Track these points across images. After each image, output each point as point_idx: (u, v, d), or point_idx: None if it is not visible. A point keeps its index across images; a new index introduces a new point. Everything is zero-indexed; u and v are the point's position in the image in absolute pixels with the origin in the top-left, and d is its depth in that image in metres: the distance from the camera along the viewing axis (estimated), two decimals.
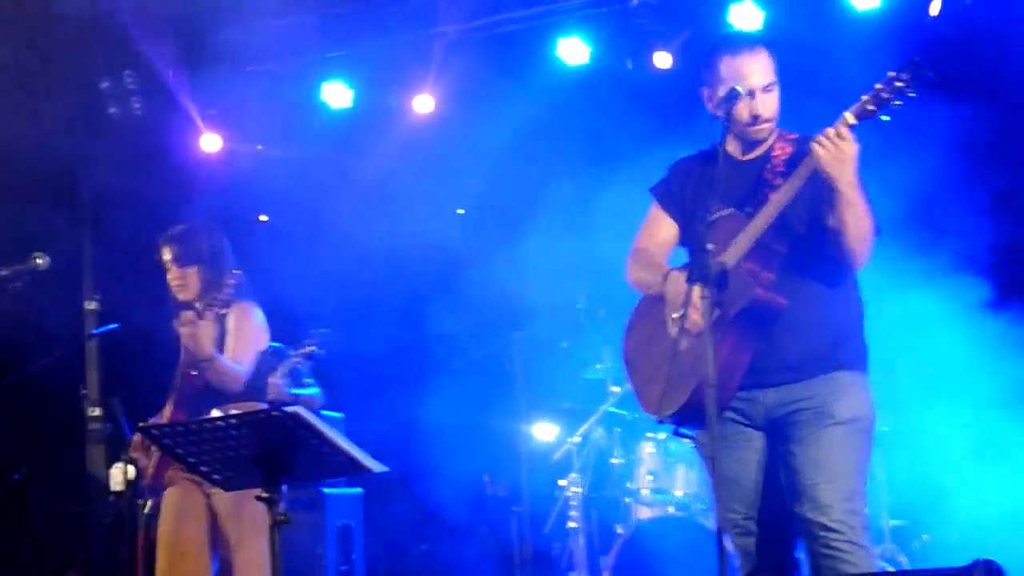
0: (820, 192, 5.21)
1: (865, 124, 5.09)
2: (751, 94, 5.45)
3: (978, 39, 9.35)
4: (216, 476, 5.31)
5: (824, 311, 5.39)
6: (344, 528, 9.85)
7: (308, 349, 8.75)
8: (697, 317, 5.13)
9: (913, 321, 8.58)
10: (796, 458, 5.33)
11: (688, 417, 5.27)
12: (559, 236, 10.40)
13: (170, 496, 7.27)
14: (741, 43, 5.63)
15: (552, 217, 10.56)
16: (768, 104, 5.49)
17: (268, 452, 5.05)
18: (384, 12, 10.50)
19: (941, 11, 9.14)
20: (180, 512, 7.21)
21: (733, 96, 5.39)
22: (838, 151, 5.04)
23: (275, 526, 5.04)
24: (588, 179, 10.30)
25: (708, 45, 5.72)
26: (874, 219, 5.29)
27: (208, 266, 7.45)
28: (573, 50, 10.26)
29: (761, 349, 5.31)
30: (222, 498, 7.04)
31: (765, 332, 5.30)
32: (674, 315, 5.33)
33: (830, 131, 5.07)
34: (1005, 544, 8.58)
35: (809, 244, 5.35)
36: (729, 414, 5.42)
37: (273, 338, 7.66)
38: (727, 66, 5.51)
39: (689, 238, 5.53)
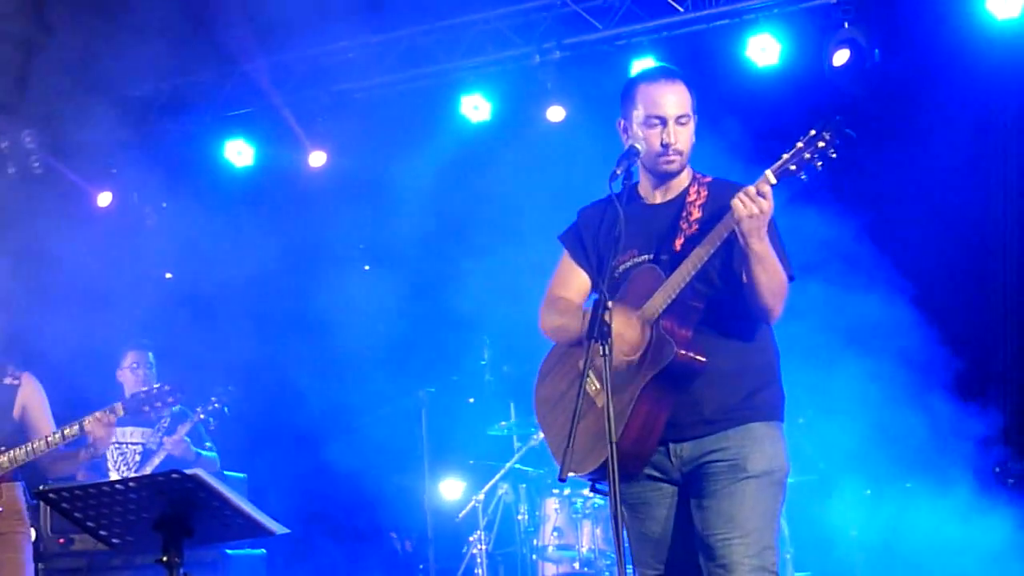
0: (735, 249, 5.15)
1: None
2: (663, 122, 5.37)
3: (886, 94, 9.50)
4: (115, 540, 5.24)
5: (740, 363, 5.32)
6: None
7: (212, 407, 8.65)
8: (601, 382, 5.12)
9: (815, 373, 8.63)
10: (708, 512, 5.25)
11: (606, 474, 5.22)
12: (462, 291, 10.41)
13: None
14: (659, 73, 5.54)
15: (457, 270, 10.57)
16: (680, 136, 5.38)
17: (169, 515, 4.99)
18: (286, 70, 10.52)
19: (847, 65, 9.24)
20: None
21: (632, 153, 5.37)
22: (758, 209, 4.99)
23: None
24: (491, 235, 10.32)
25: (626, 81, 5.61)
26: (788, 269, 5.27)
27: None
28: (473, 107, 10.33)
29: (678, 404, 5.25)
30: None
31: (683, 389, 5.24)
32: (590, 377, 5.28)
33: (751, 190, 5.01)
34: None
35: (725, 299, 5.28)
36: (645, 469, 5.36)
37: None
38: (643, 93, 5.43)
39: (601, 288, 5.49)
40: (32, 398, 7.24)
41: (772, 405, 5.39)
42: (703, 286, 5.23)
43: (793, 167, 5.01)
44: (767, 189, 5.01)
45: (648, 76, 5.53)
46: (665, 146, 5.37)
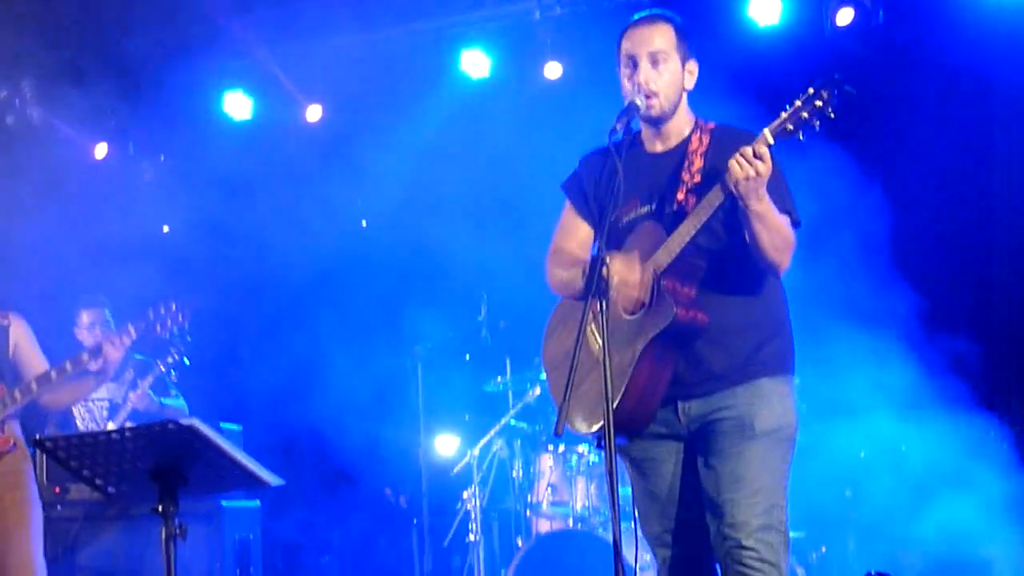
0: (737, 205, 5.08)
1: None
2: (634, 63, 5.33)
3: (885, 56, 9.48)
4: (111, 489, 5.24)
5: (747, 318, 5.29)
6: (242, 541, 9.76)
7: (173, 358, 8.64)
8: (601, 337, 5.13)
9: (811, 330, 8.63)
10: (715, 471, 5.23)
11: (620, 438, 5.20)
12: (461, 247, 10.41)
13: None
14: (642, 18, 5.45)
15: (455, 228, 10.57)
16: (652, 75, 5.31)
17: (164, 465, 4.99)
18: (283, 22, 10.48)
19: (850, 26, 9.21)
20: None
21: (631, 109, 5.33)
22: (755, 171, 4.94)
23: (170, 540, 4.99)
24: (489, 188, 10.32)
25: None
26: (794, 213, 5.23)
27: None
28: (473, 63, 10.30)
29: (683, 362, 5.23)
30: None
31: (686, 347, 5.22)
32: (592, 332, 5.26)
33: (748, 151, 4.94)
34: (900, 557, 8.70)
35: (729, 255, 5.23)
36: (650, 426, 5.33)
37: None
38: (623, 39, 5.39)
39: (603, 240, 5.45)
40: (23, 337, 7.27)
41: (780, 358, 5.36)
42: (706, 241, 5.18)
43: (791, 127, 4.97)
44: (764, 150, 4.96)
45: (629, 22, 5.47)
46: (635, 86, 5.32)
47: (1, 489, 6.96)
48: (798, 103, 4.97)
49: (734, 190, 4.99)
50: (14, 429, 7.12)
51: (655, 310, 5.15)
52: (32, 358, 7.24)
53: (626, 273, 5.22)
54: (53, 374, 7.05)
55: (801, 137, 4.99)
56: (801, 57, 9.47)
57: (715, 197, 5.08)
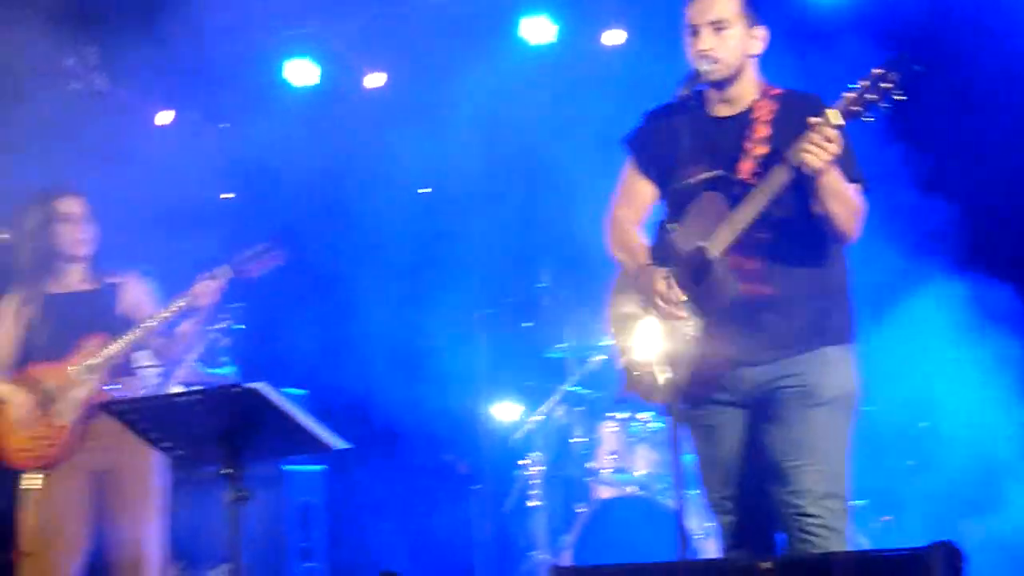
0: (804, 180, 5.07)
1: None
2: (695, 31, 5.33)
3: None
4: (178, 452, 5.31)
5: (811, 287, 5.28)
6: (305, 505, 9.84)
7: (224, 324, 8.62)
8: (669, 307, 5.14)
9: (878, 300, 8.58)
10: (778, 438, 5.25)
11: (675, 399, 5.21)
12: (523, 214, 10.41)
13: (56, 476, 7.07)
14: None
15: (515, 195, 10.57)
16: (713, 43, 5.29)
17: (230, 429, 5.04)
18: None
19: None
20: (64, 493, 7.06)
21: (693, 75, 5.31)
22: (827, 155, 4.93)
23: (236, 503, 5.04)
24: (551, 157, 10.29)
25: None
26: (860, 175, 5.21)
27: (95, 228, 7.36)
28: (535, 28, 10.28)
29: (747, 329, 5.24)
30: (115, 477, 7.00)
31: (750, 319, 5.23)
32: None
33: (816, 137, 4.92)
34: (965, 526, 8.66)
35: (794, 227, 5.23)
36: (713, 392, 5.36)
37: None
38: (688, 7, 5.38)
39: (664, 201, 5.44)
40: (140, 294, 7.30)
41: (843, 326, 5.36)
42: (772, 212, 5.15)
43: (858, 107, 4.92)
44: (834, 133, 4.94)
45: None
46: (697, 53, 5.30)
47: (119, 447, 6.83)
48: (865, 83, 4.93)
49: (807, 172, 4.98)
50: (136, 386, 7.15)
51: (719, 286, 5.14)
52: (145, 313, 7.22)
53: (661, 291, 5.23)
54: (150, 322, 7.01)
55: (869, 118, 4.95)
56: (862, 21, 9.39)
57: (781, 175, 5.07)
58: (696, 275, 5.21)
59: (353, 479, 11.42)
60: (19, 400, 7.05)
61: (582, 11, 10.26)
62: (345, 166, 11.38)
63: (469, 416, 10.58)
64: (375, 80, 10.95)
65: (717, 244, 5.17)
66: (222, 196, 12.36)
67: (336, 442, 5.17)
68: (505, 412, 10.64)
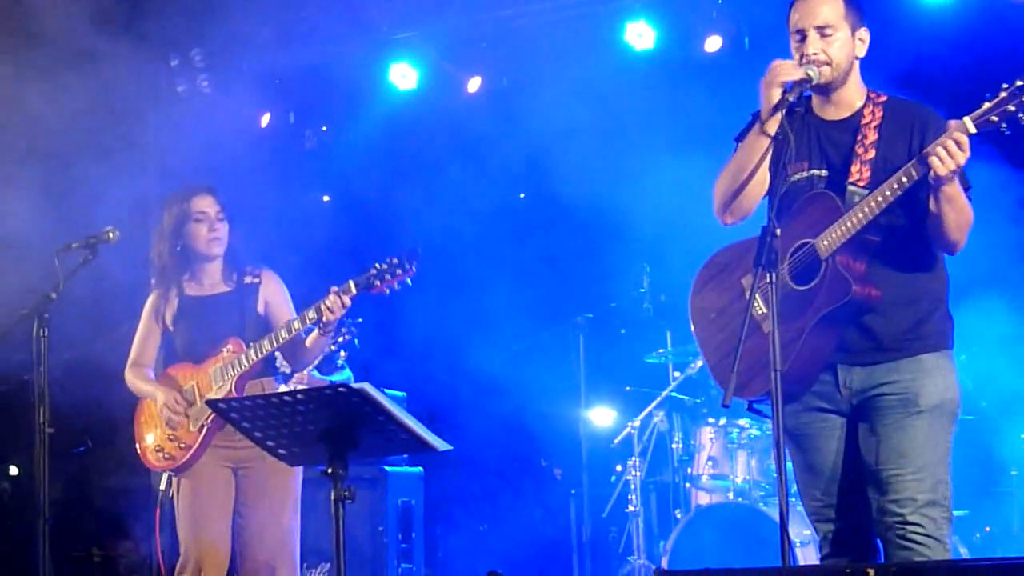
0: (918, 183, 5.04)
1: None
2: (802, 35, 5.30)
3: None
4: (282, 451, 5.34)
5: (913, 292, 5.26)
6: (405, 506, 9.88)
7: (344, 338, 8.61)
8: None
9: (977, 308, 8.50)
10: (879, 446, 5.21)
11: (769, 398, 5.19)
12: (620, 222, 10.40)
13: (197, 474, 7.09)
14: None
15: (614, 200, 10.56)
16: (822, 47, 5.26)
17: (334, 428, 5.06)
18: None
19: None
20: (207, 490, 7.09)
21: (805, 81, 5.28)
22: (955, 164, 4.89)
23: (339, 502, 5.06)
24: (651, 161, 10.29)
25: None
26: (965, 181, 5.14)
27: (235, 225, 7.35)
28: (638, 34, 10.26)
29: (848, 331, 5.21)
30: (252, 473, 7.05)
31: (855, 321, 5.21)
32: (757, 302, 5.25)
33: (950, 144, 4.88)
34: None
35: (902, 232, 5.21)
36: (810, 399, 5.34)
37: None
38: (793, 12, 5.36)
39: (767, 198, 5.41)
40: (274, 294, 7.30)
41: (942, 332, 5.33)
42: (883, 218, 5.13)
43: (995, 118, 4.88)
44: (965, 140, 4.90)
45: None
46: (803, 57, 5.28)
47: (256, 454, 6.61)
48: (1003, 94, 4.89)
49: (931, 178, 4.94)
50: (274, 386, 7.20)
51: (829, 286, 5.12)
52: (282, 315, 7.23)
53: None
54: (283, 332, 7.00)
55: (1005, 130, 4.90)
56: (976, 36, 9.31)
57: (902, 180, 5.05)
58: (806, 272, 5.19)
59: (451, 482, 11.48)
60: (160, 401, 7.13)
61: (683, 17, 10.22)
62: (444, 169, 11.43)
63: (568, 421, 10.58)
64: (476, 84, 10.96)
65: (828, 243, 5.17)
66: (324, 199, 12.46)
67: (439, 444, 5.18)
68: (603, 417, 10.65)
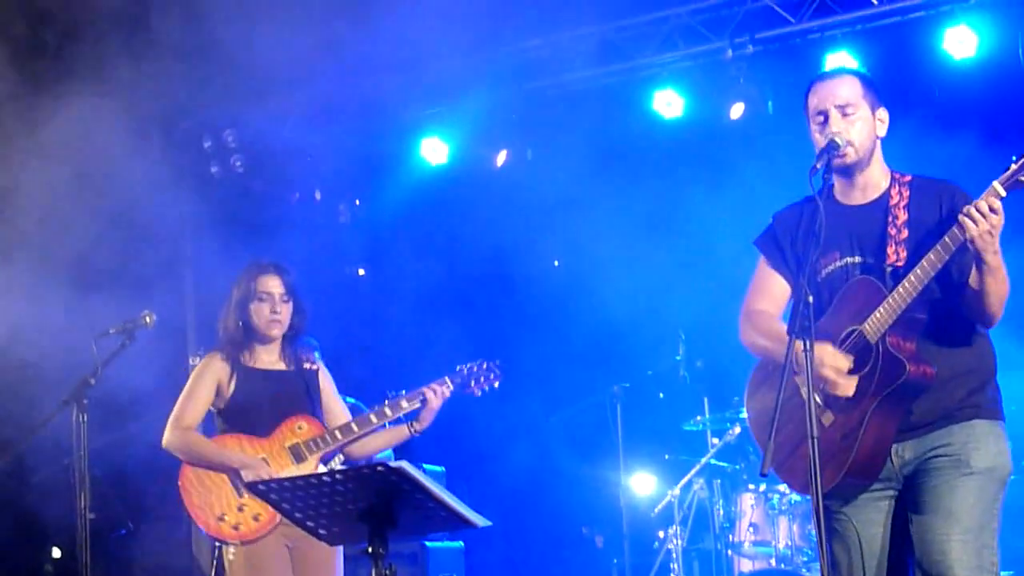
0: (956, 257, 5.05)
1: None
2: (825, 116, 5.32)
3: None
4: (322, 531, 5.33)
5: (961, 367, 5.24)
6: None
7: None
8: (839, 379, 5.12)
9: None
10: (928, 508, 5.18)
11: (834, 490, 5.17)
12: (659, 286, 10.42)
13: (260, 548, 6.94)
14: (825, 73, 5.53)
15: (650, 269, 10.58)
16: (844, 126, 5.29)
17: (373, 507, 5.06)
18: (479, 68, 10.60)
19: None
20: (267, 565, 6.95)
21: (831, 147, 5.30)
22: (989, 226, 4.89)
23: None
24: (684, 232, 10.32)
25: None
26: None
27: (300, 306, 7.28)
28: (666, 103, 10.31)
29: (902, 411, 5.19)
30: (302, 550, 6.98)
31: (912, 401, 5.19)
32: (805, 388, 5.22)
33: (982, 206, 4.88)
34: None
35: (944, 307, 5.20)
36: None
37: (358, 393, 7.54)
38: (810, 94, 5.41)
39: (804, 263, 5.40)
40: (328, 384, 7.29)
41: (992, 403, 5.31)
42: (926, 295, 5.13)
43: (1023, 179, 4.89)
44: (998, 204, 4.91)
45: (816, 76, 5.50)
46: (828, 137, 5.28)
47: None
48: None
49: (971, 246, 4.94)
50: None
51: (883, 368, 5.11)
52: (335, 404, 7.25)
53: (821, 360, 5.17)
54: (373, 416, 7.01)
55: None
56: (1000, 91, 9.34)
57: (940, 253, 5.04)
58: (858, 360, 5.20)
59: (492, 554, 11.45)
60: (247, 467, 6.94)
61: (710, 85, 10.25)
62: (478, 240, 11.47)
63: (605, 488, 10.56)
64: (503, 157, 10.99)
65: (876, 326, 5.15)
66: (359, 272, 12.52)
67: (478, 520, 5.17)
68: (644, 484, 10.63)
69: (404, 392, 7.12)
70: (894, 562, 5.32)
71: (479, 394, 7.28)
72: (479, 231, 11.45)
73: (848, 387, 5.17)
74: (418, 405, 7.10)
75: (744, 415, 5.70)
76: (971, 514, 5.14)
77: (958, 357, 5.25)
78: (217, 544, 7.14)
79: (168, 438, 7.06)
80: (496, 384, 7.30)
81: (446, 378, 7.09)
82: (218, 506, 6.94)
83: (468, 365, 7.24)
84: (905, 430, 5.21)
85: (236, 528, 6.91)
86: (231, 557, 6.95)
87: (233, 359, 7.14)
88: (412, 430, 7.17)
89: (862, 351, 5.18)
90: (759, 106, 10.03)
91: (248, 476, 6.87)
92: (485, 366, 7.23)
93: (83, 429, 7.01)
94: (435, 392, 7.07)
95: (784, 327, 5.33)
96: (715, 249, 9.37)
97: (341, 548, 7.10)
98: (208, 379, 7.14)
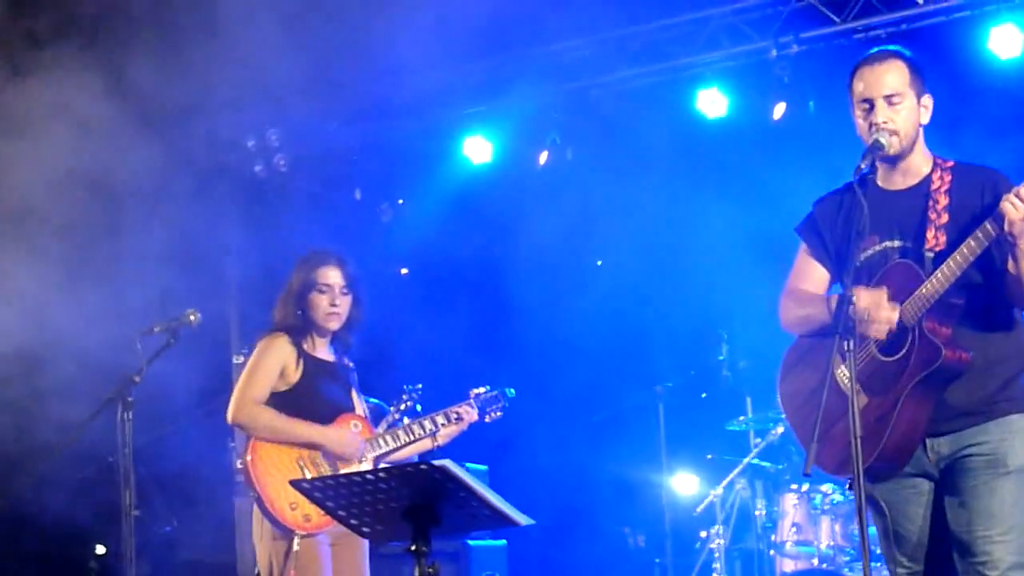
0: (995, 241, 5.04)
1: None
2: (871, 104, 5.30)
3: None
4: (365, 529, 5.35)
5: (996, 354, 5.23)
6: None
7: (405, 404, 8.65)
8: (882, 314, 5.12)
9: None
10: (966, 508, 5.17)
11: (864, 472, 5.17)
12: (700, 286, 10.40)
13: (322, 543, 6.88)
14: (872, 56, 5.43)
15: (693, 266, 10.57)
16: (890, 116, 5.27)
17: (416, 505, 5.06)
18: (522, 67, 10.59)
19: None
20: (330, 559, 6.93)
21: (876, 148, 5.29)
22: None
23: None
24: (725, 227, 10.29)
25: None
26: None
27: (358, 299, 7.25)
28: (711, 102, 10.28)
29: (937, 398, 5.18)
30: (342, 546, 6.97)
31: (947, 387, 5.18)
32: (842, 372, 5.23)
33: (1022, 191, 4.90)
34: None
35: (982, 293, 5.19)
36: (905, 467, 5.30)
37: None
38: (854, 79, 5.38)
39: (840, 281, 5.40)
40: (357, 386, 7.31)
41: None
42: (963, 280, 5.11)
43: None
44: None
45: (860, 60, 5.45)
46: (872, 126, 5.27)
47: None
48: None
49: (1007, 230, 4.94)
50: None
51: (919, 354, 5.11)
52: (359, 406, 7.25)
53: (873, 307, 5.17)
54: (416, 428, 7.07)
55: None
56: None
57: (980, 239, 5.04)
58: (893, 343, 5.19)
59: (534, 553, 11.45)
60: (336, 441, 6.98)
61: (758, 84, 10.22)
62: (520, 240, 11.46)
63: (647, 489, 10.55)
64: (544, 157, 10.97)
65: (913, 310, 5.15)
66: (402, 272, 12.54)
67: (521, 518, 5.18)
68: (686, 484, 10.62)
69: (442, 410, 7.26)
70: (940, 553, 5.30)
71: (488, 421, 7.42)
72: (521, 230, 11.44)
73: (891, 315, 5.16)
74: (453, 425, 7.21)
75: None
76: (1011, 514, 5.14)
77: (994, 344, 5.24)
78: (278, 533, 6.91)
79: (235, 413, 6.96)
80: (499, 414, 7.47)
81: (471, 401, 7.17)
82: (292, 493, 6.57)
83: (479, 396, 7.38)
84: (939, 420, 5.20)
85: (307, 519, 6.80)
86: (296, 547, 6.79)
87: (297, 344, 7.06)
88: (435, 443, 7.23)
89: (898, 335, 5.17)
90: (800, 106, 9.99)
91: (351, 454, 6.96)
92: (496, 394, 7.39)
93: (128, 427, 7.03)
94: (467, 413, 7.19)
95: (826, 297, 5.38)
96: (757, 248, 9.34)
97: (368, 554, 7.12)
98: (274, 359, 7.03)
